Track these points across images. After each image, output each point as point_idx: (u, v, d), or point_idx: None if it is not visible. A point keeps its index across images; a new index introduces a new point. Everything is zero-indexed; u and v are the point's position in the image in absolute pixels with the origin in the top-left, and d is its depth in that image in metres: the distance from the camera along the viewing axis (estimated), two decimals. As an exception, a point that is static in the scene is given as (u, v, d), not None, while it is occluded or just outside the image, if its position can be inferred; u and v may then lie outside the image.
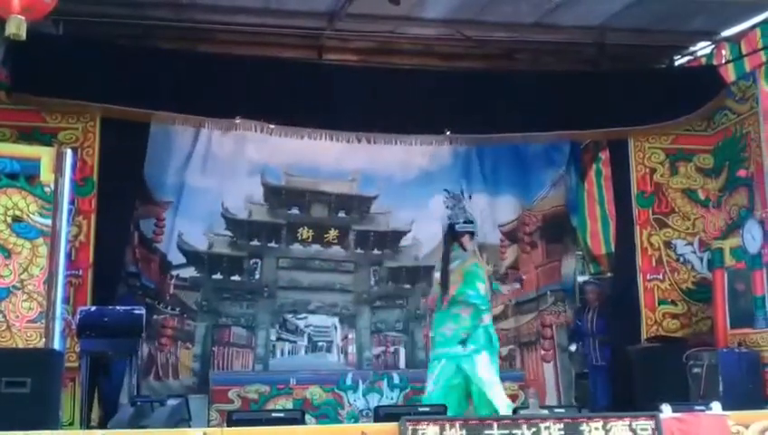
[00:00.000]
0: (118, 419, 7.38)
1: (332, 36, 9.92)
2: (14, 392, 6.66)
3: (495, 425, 5.68)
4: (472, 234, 8.45)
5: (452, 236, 8.39)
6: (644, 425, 5.85)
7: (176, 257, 10.63)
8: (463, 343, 7.88)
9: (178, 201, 10.57)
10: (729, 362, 8.54)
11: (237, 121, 9.55)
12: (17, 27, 6.07)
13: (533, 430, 5.69)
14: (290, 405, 9.50)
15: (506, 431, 5.67)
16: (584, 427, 5.75)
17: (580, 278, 11.52)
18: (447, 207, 8.71)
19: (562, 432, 5.70)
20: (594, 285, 10.97)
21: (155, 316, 10.32)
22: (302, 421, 6.79)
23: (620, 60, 10.47)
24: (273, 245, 11.09)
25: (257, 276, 10.96)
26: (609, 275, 11.02)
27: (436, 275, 8.58)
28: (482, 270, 8.29)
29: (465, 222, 8.41)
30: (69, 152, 8.60)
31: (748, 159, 9.60)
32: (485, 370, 7.90)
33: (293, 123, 9.69)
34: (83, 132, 9.15)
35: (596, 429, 5.75)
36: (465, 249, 8.32)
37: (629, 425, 5.81)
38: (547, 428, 5.70)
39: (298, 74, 9.64)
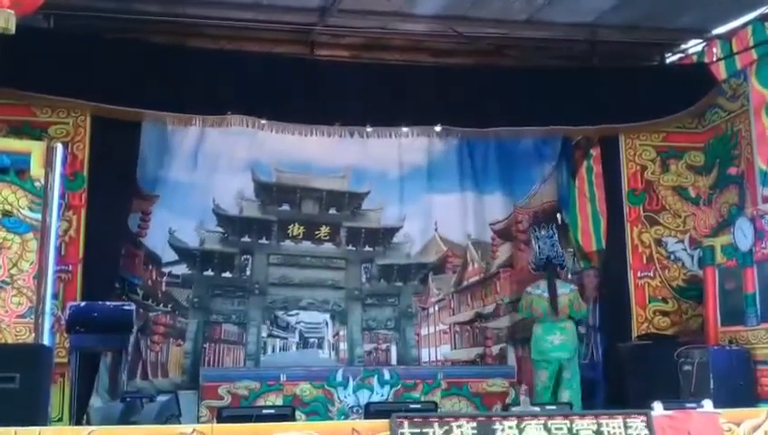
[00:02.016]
0: (108, 414, 7.37)
1: (324, 32, 9.92)
2: (2, 388, 6.65)
3: (407, 423, 5.61)
4: (563, 266, 10.55)
5: (552, 268, 10.20)
6: (637, 423, 5.85)
7: (167, 254, 10.58)
8: (569, 350, 9.86)
9: (169, 197, 10.51)
10: (720, 359, 8.53)
11: (228, 117, 9.52)
12: (6, 21, 6.01)
13: (445, 428, 5.66)
14: (280, 401, 9.48)
15: (417, 430, 5.61)
16: (497, 426, 5.72)
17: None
18: (545, 243, 10.46)
19: (475, 431, 5.67)
20: (593, 271, 10.84)
21: (150, 313, 10.31)
22: (292, 418, 6.75)
23: (611, 57, 10.48)
24: (263, 241, 11.06)
25: (248, 273, 10.93)
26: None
27: (545, 294, 9.99)
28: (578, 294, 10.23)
29: (560, 256, 10.46)
30: (59, 147, 8.59)
31: (739, 157, 9.62)
32: (576, 370, 9.88)
33: (284, 119, 9.73)
34: (74, 127, 9.14)
35: (509, 427, 5.72)
36: (560, 278, 10.25)
37: (545, 423, 5.80)
38: (459, 426, 5.65)
39: (289, 70, 9.64)
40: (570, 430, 5.76)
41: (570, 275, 11.04)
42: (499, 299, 11.33)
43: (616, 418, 5.89)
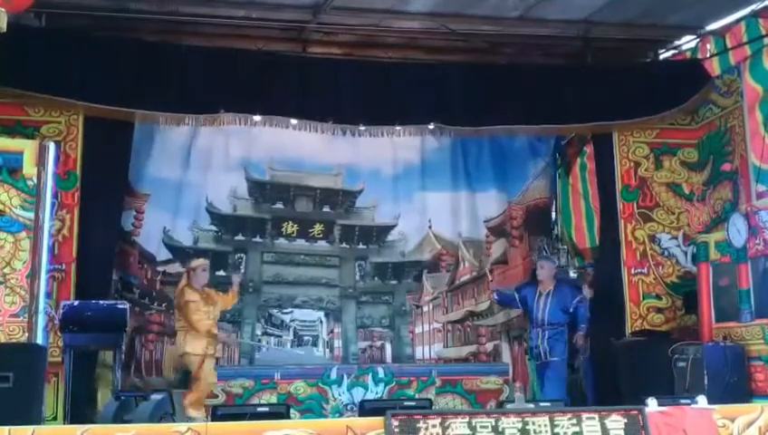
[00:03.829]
0: (102, 413, 7.35)
1: (317, 29, 9.90)
2: (-4, 387, 6.62)
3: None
4: None
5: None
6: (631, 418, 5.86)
7: (161, 253, 10.56)
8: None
9: (162, 196, 10.49)
10: (714, 355, 8.52)
11: (221, 115, 9.50)
12: (-2, 19, 6.01)
13: None
14: (274, 400, 9.46)
15: None
16: (421, 424, 5.76)
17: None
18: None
19: (398, 430, 5.70)
20: (549, 262, 10.46)
21: (145, 312, 10.33)
22: (286, 416, 6.75)
23: (605, 54, 10.48)
24: (257, 239, 11.06)
25: (242, 271, 10.92)
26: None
27: None
28: None
29: None
30: (51, 145, 8.56)
31: (733, 153, 9.62)
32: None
33: (278, 116, 9.68)
34: (66, 126, 9.14)
35: (433, 426, 5.75)
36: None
37: (469, 421, 5.82)
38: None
39: (282, 68, 9.62)
40: (495, 428, 5.79)
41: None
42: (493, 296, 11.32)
43: (607, 414, 5.92)
